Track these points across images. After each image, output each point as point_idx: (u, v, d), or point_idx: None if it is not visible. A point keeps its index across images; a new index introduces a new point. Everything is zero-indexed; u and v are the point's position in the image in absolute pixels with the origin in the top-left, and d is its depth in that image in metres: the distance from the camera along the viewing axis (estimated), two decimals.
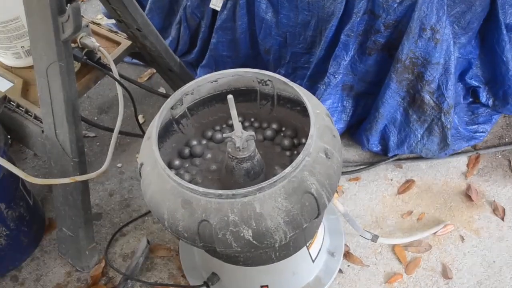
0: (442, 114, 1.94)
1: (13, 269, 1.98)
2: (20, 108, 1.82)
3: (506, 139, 2.19)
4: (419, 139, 2.03)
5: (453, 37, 1.84)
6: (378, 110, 1.99)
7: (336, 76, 1.98)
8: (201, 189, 1.20)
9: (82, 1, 3.17)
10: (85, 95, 2.51)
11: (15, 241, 1.90)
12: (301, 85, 2.11)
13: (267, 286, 1.67)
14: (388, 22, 1.81)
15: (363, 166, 2.14)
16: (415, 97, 1.96)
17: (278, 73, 2.17)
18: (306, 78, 2.12)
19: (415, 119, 2.00)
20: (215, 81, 1.51)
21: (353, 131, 2.21)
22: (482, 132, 2.10)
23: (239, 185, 1.36)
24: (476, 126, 2.10)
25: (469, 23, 1.85)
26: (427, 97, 1.92)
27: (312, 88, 2.09)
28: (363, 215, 2.00)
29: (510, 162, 2.11)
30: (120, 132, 1.98)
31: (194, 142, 1.55)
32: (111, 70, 1.80)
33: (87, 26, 1.79)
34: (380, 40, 1.88)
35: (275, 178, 1.19)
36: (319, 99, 1.94)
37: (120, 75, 1.88)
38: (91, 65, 1.81)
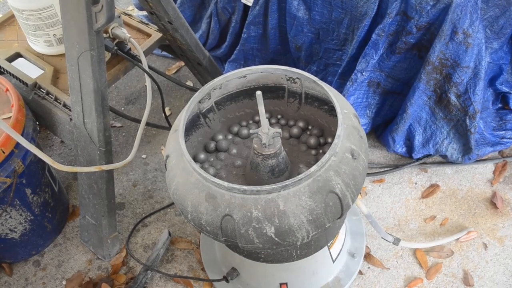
0: (467, 117, 1.92)
1: (35, 254, 2.00)
2: (50, 95, 1.84)
3: None
4: (445, 136, 2.01)
5: (485, 42, 1.82)
6: (406, 111, 1.97)
7: (363, 74, 1.97)
8: (225, 183, 1.21)
9: None
10: (113, 85, 2.53)
11: (39, 227, 1.92)
12: (332, 82, 2.12)
13: (286, 284, 1.67)
14: (420, 24, 1.79)
15: (388, 169, 2.12)
16: (441, 96, 1.94)
17: (309, 70, 2.18)
18: (337, 76, 2.11)
19: (442, 117, 1.99)
20: (244, 76, 1.51)
21: (380, 133, 2.20)
22: (509, 138, 2.07)
23: (263, 181, 1.37)
24: (504, 132, 2.07)
25: (502, 28, 1.83)
26: (453, 99, 1.90)
27: (343, 86, 2.08)
28: (386, 218, 1.99)
29: None
30: (147, 124, 2.00)
31: (220, 137, 1.56)
32: (140, 62, 1.81)
33: (119, 17, 1.80)
34: (411, 41, 1.87)
35: (300, 176, 1.19)
36: (344, 95, 1.94)
37: (149, 67, 1.89)
38: (121, 56, 1.83)
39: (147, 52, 2.01)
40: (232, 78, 1.50)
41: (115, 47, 1.79)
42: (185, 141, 1.35)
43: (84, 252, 2.00)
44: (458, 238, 1.89)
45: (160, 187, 2.18)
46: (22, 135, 1.67)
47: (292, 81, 1.52)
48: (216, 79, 1.47)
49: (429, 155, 2.13)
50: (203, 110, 1.53)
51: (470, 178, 2.08)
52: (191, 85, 2.53)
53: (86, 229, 1.95)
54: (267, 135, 1.29)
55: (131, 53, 1.86)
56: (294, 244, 1.24)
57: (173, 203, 2.08)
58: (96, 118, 1.61)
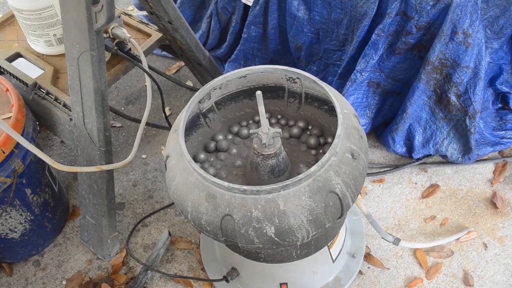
0: (467, 117, 1.92)
1: (35, 254, 2.00)
2: (50, 95, 1.84)
3: None
4: (445, 136, 2.01)
5: (485, 42, 1.82)
6: (406, 111, 1.97)
7: (363, 74, 1.97)
8: (225, 183, 1.21)
9: None
10: (113, 85, 2.53)
11: (39, 227, 1.92)
12: (332, 82, 2.12)
13: (286, 284, 1.67)
14: (420, 24, 1.79)
15: (388, 169, 2.12)
16: (441, 96, 1.94)
17: (310, 70, 2.18)
18: (337, 76, 2.11)
19: (442, 117, 1.99)
20: (244, 76, 1.51)
21: (380, 133, 2.20)
22: (509, 138, 2.07)
23: (263, 181, 1.37)
24: (504, 132, 2.07)
25: (502, 28, 1.83)
26: (453, 98, 1.90)
27: (343, 86, 2.08)
28: (386, 218, 1.99)
29: None
30: (147, 124, 2.00)
31: (220, 137, 1.56)
32: (140, 62, 1.81)
33: (119, 17, 1.80)
34: (410, 41, 1.87)
35: (300, 176, 1.19)
36: (344, 95, 1.94)
37: (149, 67, 1.89)
38: (121, 56, 1.83)
39: (147, 52, 2.01)
40: (232, 78, 1.50)
41: (115, 47, 1.79)
42: (185, 141, 1.35)
43: (84, 252, 2.00)
44: (458, 238, 1.89)
45: (160, 187, 2.18)
46: (22, 135, 1.67)
47: (292, 81, 1.52)
48: (216, 79, 1.47)
49: (429, 155, 2.13)
50: (203, 110, 1.53)
51: (470, 178, 2.08)
52: (191, 85, 2.53)
53: (86, 229, 1.95)
54: (267, 135, 1.29)
55: (131, 53, 1.86)
56: (294, 244, 1.24)
57: (173, 203, 2.08)
58: (96, 118, 1.61)
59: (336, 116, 1.32)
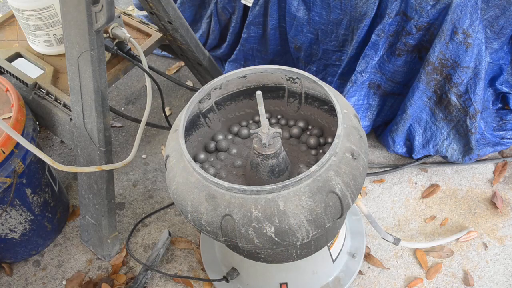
0: (468, 117, 1.92)
1: (35, 254, 2.00)
2: (50, 95, 1.84)
3: None
4: (445, 137, 2.01)
5: (485, 42, 1.82)
6: (405, 111, 1.97)
7: (363, 75, 1.97)
8: (225, 183, 1.21)
9: None
10: (113, 85, 2.53)
11: (39, 227, 1.92)
12: (331, 82, 2.12)
13: (286, 284, 1.67)
14: (420, 24, 1.79)
15: (388, 169, 2.12)
16: (441, 97, 1.94)
17: (309, 70, 2.18)
18: (337, 76, 2.11)
19: (442, 118, 1.99)
20: (244, 76, 1.51)
21: (380, 133, 2.20)
22: (509, 138, 2.07)
23: (263, 181, 1.37)
24: (504, 132, 2.07)
25: (502, 28, 1.83)
26: (454, 99, 1.90)
27: (342, 86, 2.09)
28: (386, 218, 1.99)
29: None
30: (147, 124, 2.00)
31: (220, 137, 1.56)
32: (140, 62, 1.81)
33: (119, 17, 1.80)
34: (410, 42, 1.87)
35: (300, 176, 1.19)
36: (344, 96, 1.94)
37: (149, 67, 1.89)
38: (121, 56, 1.83)
39: (147, 52, 2.01)
40: (232, 78, 1.50)
41: (115, 47, 1.79)
42: (185, 141, 1.35)
43: (84, 252, 2.00)
44: (458, 238, 1.89)
45: (160, 187, 2.18)
46: (22, 135, 1.67)
47: (292, 81, 1.52)
48: (216, 79, 1.47)
49: (429, 155, 2.12)
50: (203, 110, 1.53)
51: (470, 178, 2.08)
52: (191, 85, 2.53)
53: (86, 229, 1.95)
54: (267, 135, 1.29)
55: (131, 53, 1.86)
56: (294, 244, 1.24)
57: (173, 203, 2.08)
58: (96, 118, 1.61)
59: (336, 116, 1.33)
